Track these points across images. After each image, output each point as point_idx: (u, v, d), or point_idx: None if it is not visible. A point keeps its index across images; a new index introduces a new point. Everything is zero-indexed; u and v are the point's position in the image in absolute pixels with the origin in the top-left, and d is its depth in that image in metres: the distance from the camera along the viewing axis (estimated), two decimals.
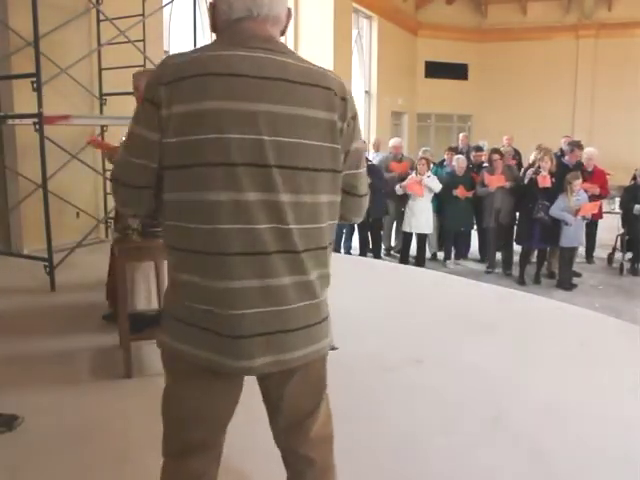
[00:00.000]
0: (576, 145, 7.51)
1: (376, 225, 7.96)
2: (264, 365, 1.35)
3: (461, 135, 9.94)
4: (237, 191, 1.29)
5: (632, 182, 7.69)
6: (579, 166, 7.19)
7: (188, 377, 1.42)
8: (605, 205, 8.83)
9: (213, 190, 1.29)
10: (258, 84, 1.30)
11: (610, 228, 8.01)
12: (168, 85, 1.30)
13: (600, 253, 8.04)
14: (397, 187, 7.63)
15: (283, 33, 1.45)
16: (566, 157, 7.46)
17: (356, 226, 8.00)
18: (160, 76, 1.32)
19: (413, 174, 7.62)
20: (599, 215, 7.50)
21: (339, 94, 1.39)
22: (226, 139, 1.28)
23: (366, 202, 1.58)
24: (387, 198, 7.90)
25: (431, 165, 7.90)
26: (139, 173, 1.37)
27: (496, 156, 7.31)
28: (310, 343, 1.40)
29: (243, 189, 1.29)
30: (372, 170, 7.68)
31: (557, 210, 6.53)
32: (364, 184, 1.54)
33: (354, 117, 1.43)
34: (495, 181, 7.12)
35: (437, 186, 7.46)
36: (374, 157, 9.48)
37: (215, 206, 1.29)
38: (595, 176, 7.25)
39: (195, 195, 1.30)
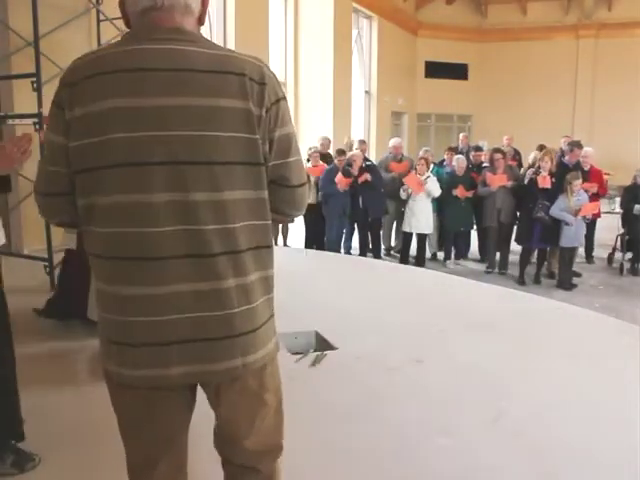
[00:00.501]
0: (576, 145, 7.51)
1: (376, 225, 7.97)
2: (185, 375, 1.29)
3: (461, 135, 9.95)
4: (146, 192, 1.23)
5: (633, 182, 7.69)
6: (579, 166, 7.19)
7: (115, 393, 1.38)
8: (605, 205, 8.84)
9: (121, 192, 1.24)
10: (162, 77, 1.24)
11: (610, 228, 8.00)
12: (70, 87, 1.26)
13: (600, 253, 8.04)
14: (401, 192, 7.61)
15: (201, 22, 1.38)
16: (566, 157, 7.47)
17: (356, 226, 8.02)
18: (64, 77, 1.28)
19: (413, 172, 7.62)
20: (597, 214, 7.50)
21: (256, 79, 1.29)
22: (130, 138, 1.22)
23: (302, 193, 1.44)
24: (387, 198, 7.91)
25: (431, 165, 7.90)
26: (52, 180, 1.32)
27: (498, 155, 7.31)
28: (235, 355, 1.30)
29: (153, 190, 1.23)
30: (371, 170, 7.70)
31: (557, 210, 6.53)
32: (297, 173, 1.40)
33: (277, 102, 1.32)
34: (497, 180, 7.11)
35: (437, 191, 7.45)
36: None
37: (126, 208, 1.24)
38: (592, 175, 7.26)
39: (104, 198, 1.25)
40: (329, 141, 9.05)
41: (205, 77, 1.25)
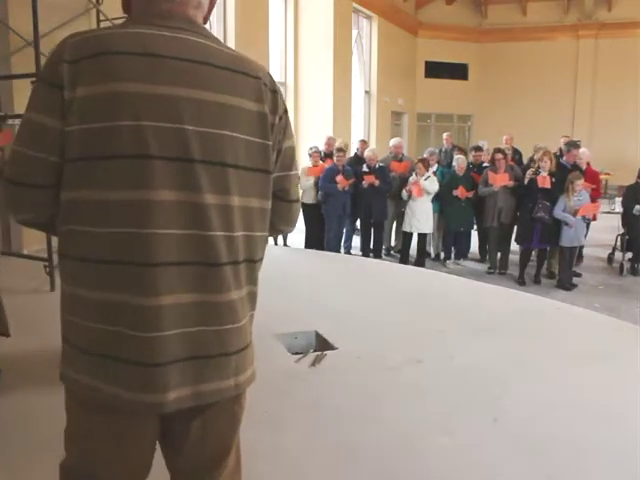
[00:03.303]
0: (573, 145, 7.51)
1: (378, 225, 7.98)
2: (179, 399, 1.15)
3: (445, 135, 9.70)
4: (150, 189, 1.10)
5: (635, 182, 7.67)
6: (577, 166, 7.19)
7: (89, 415, 1.22)
8: (605, 205, 8.83)
9: (123, 187, 1.10)
10: (179, 66, 1.13)
11: (610, 228, 8.00)
12: (72, 64, 1.10)
13: (600, 253, 8.04)
14: (403, 193, 7.62)
15: (206, 20, 1.30)
16: (564, 157, 7.47)
17: (358, 225, 8.02)
18: (61, 53, 1.11)
19: (414, 175, 7.62)
20: (593, 217, 7.49)
21: (269, 86, 1.24)
22: (141, 127, 1.09)
23: (298, 209, 1.39)
24: (388, 199, 7.91)
25: (430, 168, 7.92)
26: (37, 169, 1.13)
27: (499, 155, 7.31)
28: (229, 375, 1.20)
29: (158, 186, 1.10)
30: (382, 172, 7.70)
31: (559, 211, 6.53)
32: (296, 188, 1.37)
33: (285, 113, 1.29)
34: (499, 180, 7.12)
35: (434, 186, 7.45)
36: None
37: (126, 206, 1.10)
38: (587, 176, 7.26)
39: (100, 193, 1.10)
40: (334, 140, 9.01)
41: (222, 73, 1.18)
